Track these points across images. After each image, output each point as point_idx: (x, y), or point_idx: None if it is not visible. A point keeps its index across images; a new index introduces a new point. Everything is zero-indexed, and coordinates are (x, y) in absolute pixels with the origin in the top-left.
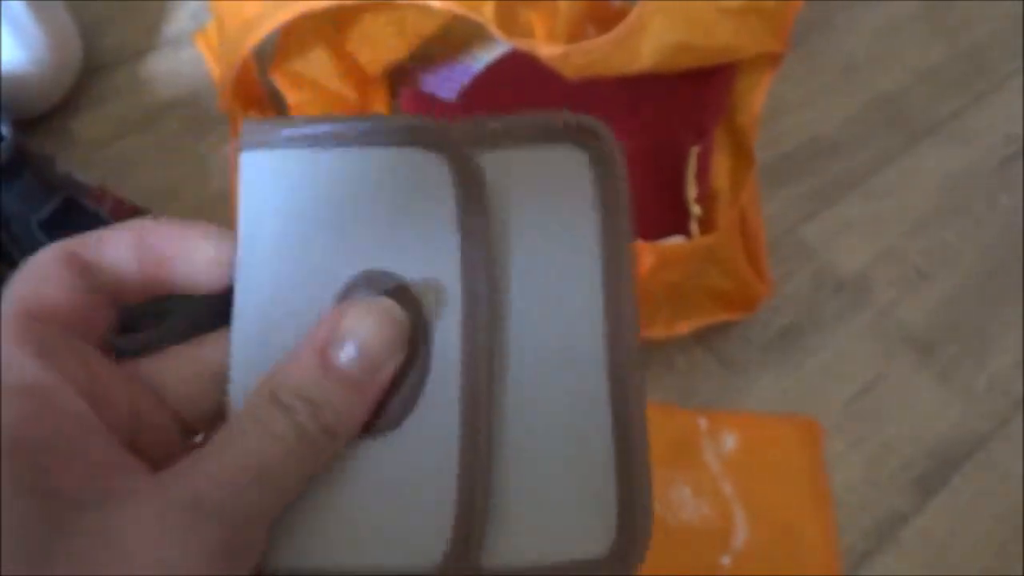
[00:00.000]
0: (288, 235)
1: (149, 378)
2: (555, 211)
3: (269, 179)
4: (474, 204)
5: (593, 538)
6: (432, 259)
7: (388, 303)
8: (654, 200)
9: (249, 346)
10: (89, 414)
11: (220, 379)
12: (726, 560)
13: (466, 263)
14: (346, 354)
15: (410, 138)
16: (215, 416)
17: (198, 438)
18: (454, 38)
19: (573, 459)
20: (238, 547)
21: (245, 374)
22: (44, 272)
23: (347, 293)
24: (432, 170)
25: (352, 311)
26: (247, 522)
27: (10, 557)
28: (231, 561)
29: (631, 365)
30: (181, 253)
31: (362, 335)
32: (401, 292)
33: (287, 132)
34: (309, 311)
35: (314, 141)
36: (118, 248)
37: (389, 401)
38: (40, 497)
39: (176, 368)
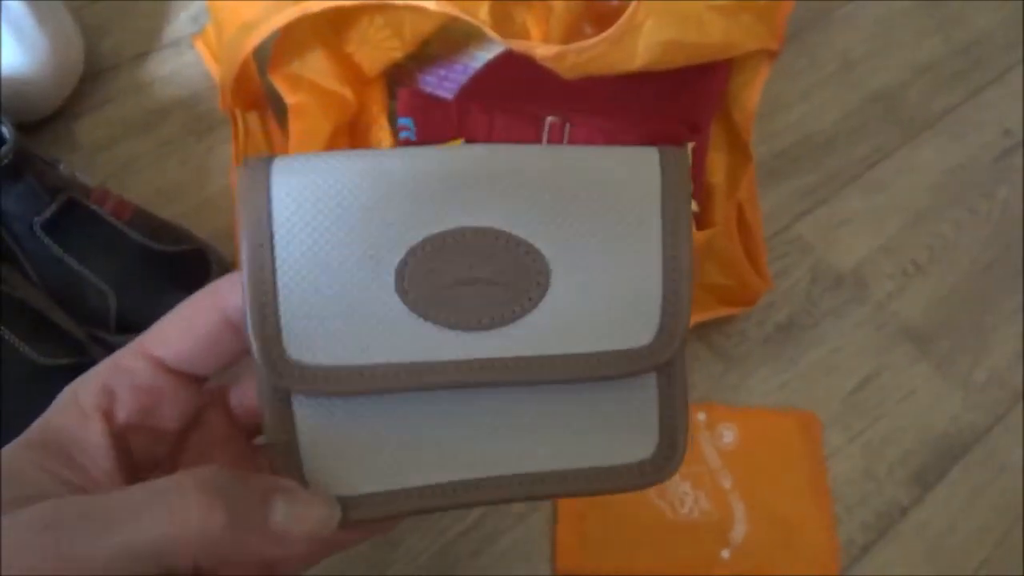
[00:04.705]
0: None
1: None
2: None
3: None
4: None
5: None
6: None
7: (333, 512)
8: None
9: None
10: (101, 442)
11: None
12: (726, 553)
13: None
14: (278, 517)
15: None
16: None
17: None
18: (452, 38)
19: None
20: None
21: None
22: (188, 313)
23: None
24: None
25: (314, 498)
26: (84, 564)
27: None
28: None
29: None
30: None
31: (302, 523)
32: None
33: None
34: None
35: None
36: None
37: None
38: (10, 483)
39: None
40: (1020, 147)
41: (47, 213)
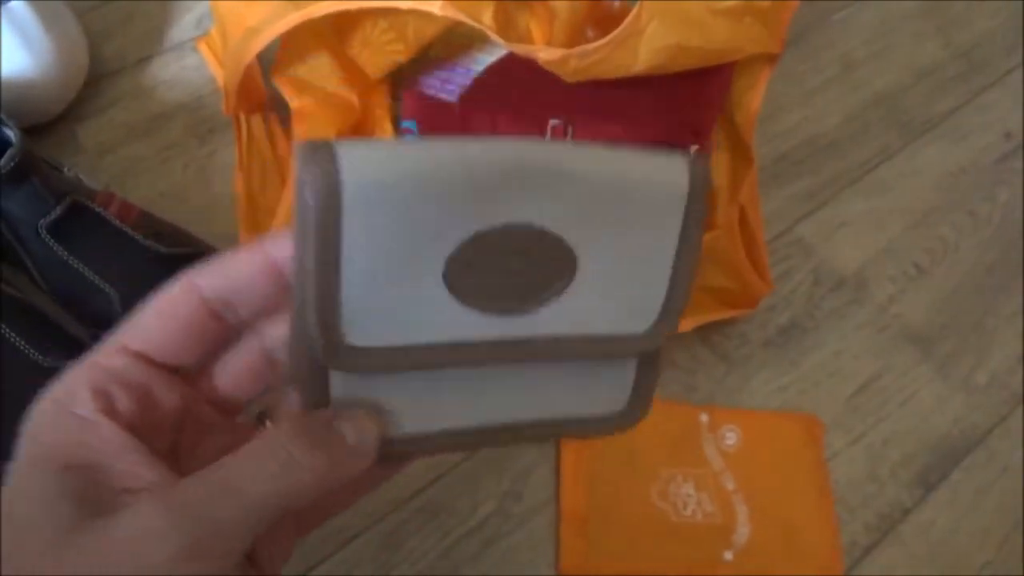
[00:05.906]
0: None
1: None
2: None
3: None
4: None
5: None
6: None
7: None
8: None
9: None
10: (125, 439)
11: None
12: (728, 555)
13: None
14: (352, 436)
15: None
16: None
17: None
18: (455, 41)
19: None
20: (206, 551)
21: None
22: (165, 306)
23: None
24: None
25: (356, 414)
26: (217, 530)
27: (36, 544)
28: (197, 562)
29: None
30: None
31: (365, 434)
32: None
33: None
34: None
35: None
36: (217, 277)
37: None
38: (75, 503)
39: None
40: (1021, 150)
41: (52, 216)
